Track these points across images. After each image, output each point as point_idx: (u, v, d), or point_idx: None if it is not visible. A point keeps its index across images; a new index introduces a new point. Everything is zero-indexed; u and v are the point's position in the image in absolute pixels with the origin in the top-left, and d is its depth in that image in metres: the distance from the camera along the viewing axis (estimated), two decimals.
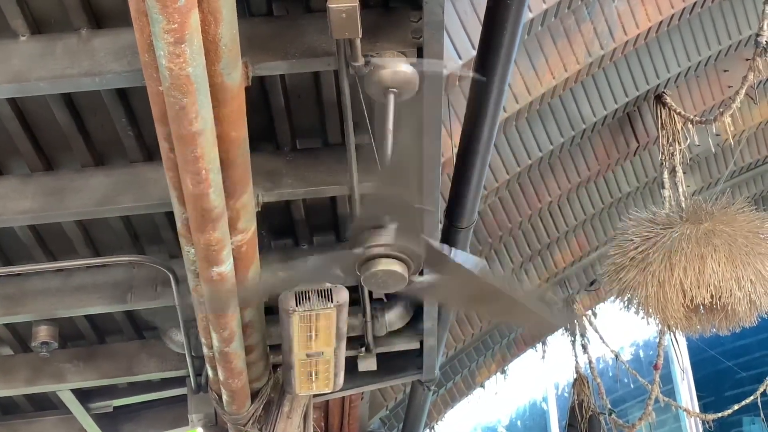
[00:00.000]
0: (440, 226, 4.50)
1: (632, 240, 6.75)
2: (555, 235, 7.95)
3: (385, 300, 5.33)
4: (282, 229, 4.80)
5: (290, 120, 4.15)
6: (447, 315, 5.52)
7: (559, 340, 9.80)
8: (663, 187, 7.52)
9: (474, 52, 4.64)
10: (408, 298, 5.26)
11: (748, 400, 9.65)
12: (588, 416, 9.46)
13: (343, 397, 6.53)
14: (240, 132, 3.20)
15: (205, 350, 4.64)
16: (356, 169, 3.94)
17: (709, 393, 14.82)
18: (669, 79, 7.30)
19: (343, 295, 4.40)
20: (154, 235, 4.70)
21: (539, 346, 9.75)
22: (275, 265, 4.60)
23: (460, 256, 3.03)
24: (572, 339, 9.53)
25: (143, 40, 2.66)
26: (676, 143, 7.46)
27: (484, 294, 3.17)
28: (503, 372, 9.71)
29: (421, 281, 3.01)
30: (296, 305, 4.33)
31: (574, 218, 7.99)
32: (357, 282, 3.43)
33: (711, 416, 9.70)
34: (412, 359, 5.91)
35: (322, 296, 4.34)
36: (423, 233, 2.89)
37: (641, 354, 16.46)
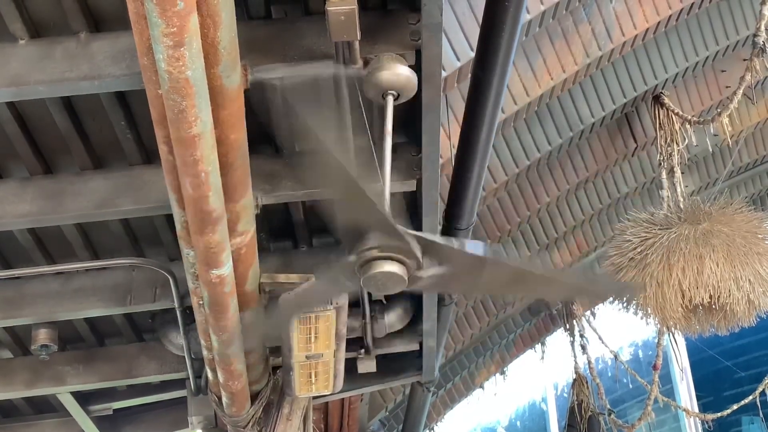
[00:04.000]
0: (439, 228, 4.50)
1: (631, 240, 6.76)
2: (554, 235, 7.97)
3: (384, 302, 5.33)
4: (281, 231, 4.80)
5: (289, 122, 4.15)
6: (446, 316, 5.52)
7: (558, 340, 9.81)
8: (661, 188, 7.53)
9: (472, 54, 4.65)
10: (409, 298, 5.26)
11: (747, 400, 9.66)
12: (587, 416, 9.47)
13: (343, 399, 6.54)
14: (239, 134, 3.20)
15: (204, 352, 4.64)
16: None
17: (708, 393, 14.83)
18: (667, 79, 7.32)
19: (342, 297, 4.40)
20: (153, 238, 4.70)
21: (538, 346, 9.76)
22: (276, 268, 4.60)
23: (468, 245, 3.02)
24: (571, 339, 9.53)
25: (142, 44, 2.66)
26: (675, 144, 7.47)
27: (504, 276, 3.13)
28: (502, 373, 9.72)
29: (429, 275, 3.00)
30: (298, 313, 4.32)
31: (573, 219, 8.00)
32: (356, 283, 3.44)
33: (710, 416, 9.70)
34: (412, 360, 5.91)
35: (324, 301, 4.34)
36: (400, 228, 2.89)
37: (640, 354, 16.47)
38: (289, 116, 2.85)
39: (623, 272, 6.75)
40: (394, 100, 3.43)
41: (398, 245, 2.88)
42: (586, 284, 3.58)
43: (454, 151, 4.32)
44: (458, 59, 5.25)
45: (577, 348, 9.57)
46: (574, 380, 9.70)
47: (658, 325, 7.57)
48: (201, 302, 4.09)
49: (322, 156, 2.59)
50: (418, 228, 4.25)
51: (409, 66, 3.46)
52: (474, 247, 3.01)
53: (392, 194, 3.41)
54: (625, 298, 6.89)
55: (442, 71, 3.73)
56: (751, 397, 9.66)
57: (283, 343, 4.65)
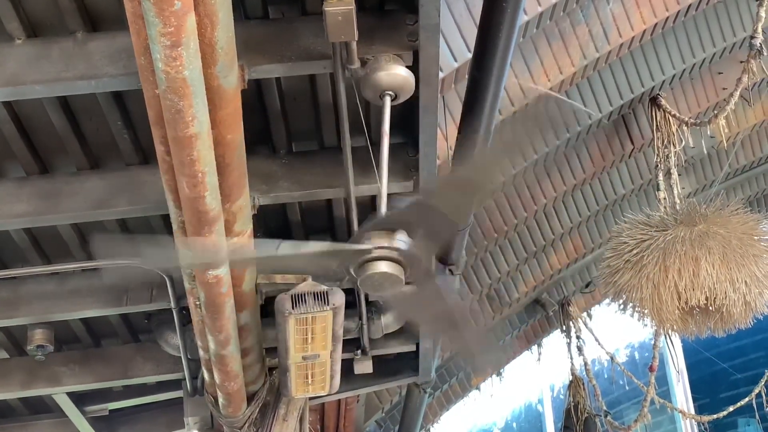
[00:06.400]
0: None
1: (627, 242, 6.75)
2: (550, 237, 7.96)
3: (381, 303, 5.33)
4: (278, 231, 4.79)
5: (286, 123, 4.15)
6: None
7: (554, 342, 9.81)
8: (658, 189, 7.53)
9: (470, 55, 4.65)
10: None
11: (743, 402, 9.66)
12: (584, 418, 9.46)
13: (339, 400, 6.53)
14: (236, 135, 3.20)
15: (201, 353, 4.64)
16: (352, 172, 3.94)
17: (705, 394, 14.82)
18: (664, 81, 7.32)
19: (339, 298, 4.40)
20: (150, 238, 4.69)
21: (535, 348, 9.75)
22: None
23: (443, 279, 3.06)
24: (568, 341, 9.53)
25: (139, 44, 2.66)
26: (671, 145, 7.47)
27: (445, 319, 3.20)
28: (499, 374, 9.71)
29: (402, 291, 3.03)
30: (292, 308, 4.33)
31: (570, 220, 8.00)
32: (353, 284, 3.43)
33: (706, 418, 9.71)
34: (408, 362, 5.91)
35: (318, 299, 4.34)
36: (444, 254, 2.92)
37: (636, 356, 16.48)
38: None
39: (619, 274, 6.75)
40: (392, 100, 3.43)
41: (419, 258, 2.90)
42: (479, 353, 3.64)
43: (451, 152, 4.32)
44: (455, 60, 5.25)
45: (574, 349, 9.56)
46: (571, 382, 9.69)
47: (655, 327, 7.56)
48: (198, 303, 4.09)
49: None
50: None
51: (407, 67, 3.46)
52: (445, 282, 3.06)
53: (389, 195, 3.40)
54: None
55: (440, 72, 3.73)
56: (747, 399, 9.66)
57: (279, 344, 4.64)
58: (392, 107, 3.44)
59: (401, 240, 2.87)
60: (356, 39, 3.20)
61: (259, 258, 3.85)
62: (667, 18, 6.69)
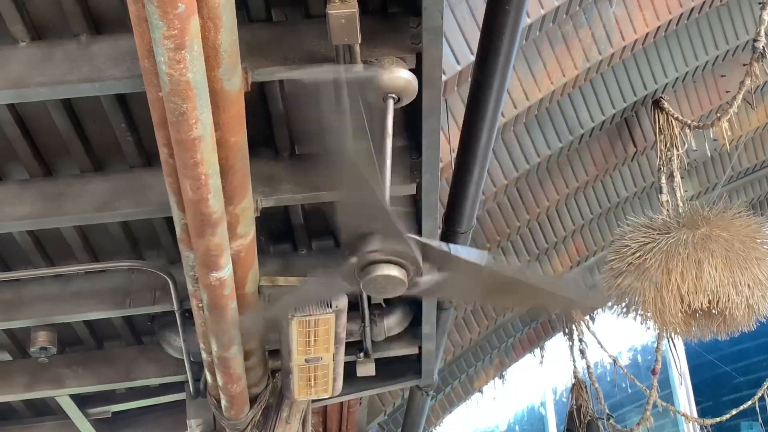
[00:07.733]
0: (439, 231, 4.51)
1: (630, 245, 6.75)
2: (553, 240, 7.97)
3: (383, 305, 5.33)
4: (281, 234, 4.80)
5: (289, 125, 4.16)
6: (445, 320, 5.52)
7: (557, 345, 9.81)
8: (661, 192, 7.54)
9: (472, 58, 4.65)
10: (408, 302, 5.26)
11: (746, 405, 9.66)
12: (586, 421, 9.47)
13: (342, 403, 6.53)
14: (239, 137, 3.21)
15: (203, 355, 4.64)
16: None
17: (707, 398, 14.81)
18: (667, 84, 7.32)
19: (341, 301, 4.40)
20: (153, 241, 4.70)
21: (537, 351, 9.75)
22: (275, 271, 4.60)
23: (463, 251, 3.01)
24: (570, 344, 9.53)
25: (143, 46, 2.66)
26: (674, 148, 7.47)
27: (500, 285, 3.12)
28: (501, 377, 9.71)
29: (428, 281, 3.00)
30: (295, 310, 4.33)
31: (572, 223, 8.00)
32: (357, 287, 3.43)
33: (709, 421, 9.70)
34: (411, 364, 5.91)
35: (321, 301, 4.34)
36: (405, 233, 2.87)
37: (639, 359, 16.46)
38: (304, 115, 2.81)
39: (622, 277, 6.75)
40: (395, 103, 3.43)
41: (401, 249, 2.87)
42: (577, 297, 3.58)
43: (454, 155, 4.32)
44: (458, 63, 5.26)
45: (576, 352, 9.56)
46: (573, 385, 9.70)
47: (657, 330, 7.56)
48: (200, 305, 4.09)
49: (337, 155, 2.56)
50: (418, 232, 4.25)
51: (410, 69, 3.46)
52: (473, 254, 3.00)
53: (392, 197, 3.39)
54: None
55: (443, 75, 3.73)
56: (750, 402, 9.66)
57: (282, 346, 4.65)
58: (395, 110, 3.44)
59: (378, 239, 2.86)
60: (359, 42, 3.20)
61: (275, 313, 3.94)
62: (670, 21, 6.70)
